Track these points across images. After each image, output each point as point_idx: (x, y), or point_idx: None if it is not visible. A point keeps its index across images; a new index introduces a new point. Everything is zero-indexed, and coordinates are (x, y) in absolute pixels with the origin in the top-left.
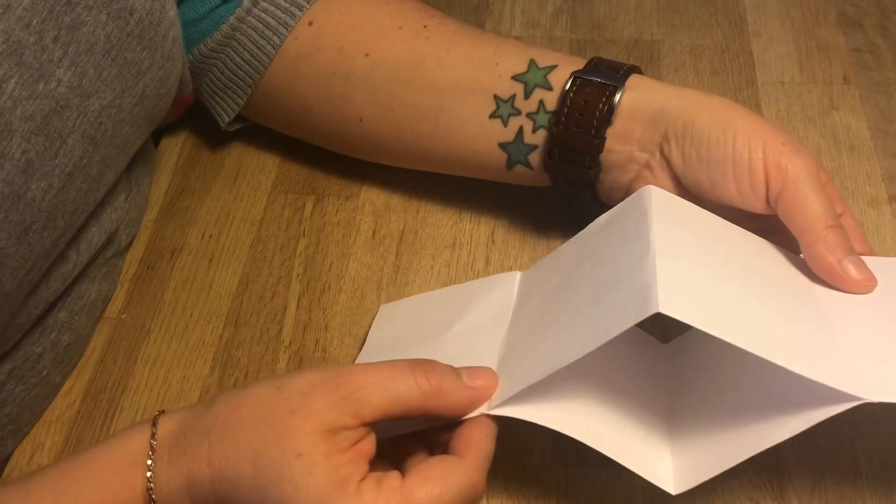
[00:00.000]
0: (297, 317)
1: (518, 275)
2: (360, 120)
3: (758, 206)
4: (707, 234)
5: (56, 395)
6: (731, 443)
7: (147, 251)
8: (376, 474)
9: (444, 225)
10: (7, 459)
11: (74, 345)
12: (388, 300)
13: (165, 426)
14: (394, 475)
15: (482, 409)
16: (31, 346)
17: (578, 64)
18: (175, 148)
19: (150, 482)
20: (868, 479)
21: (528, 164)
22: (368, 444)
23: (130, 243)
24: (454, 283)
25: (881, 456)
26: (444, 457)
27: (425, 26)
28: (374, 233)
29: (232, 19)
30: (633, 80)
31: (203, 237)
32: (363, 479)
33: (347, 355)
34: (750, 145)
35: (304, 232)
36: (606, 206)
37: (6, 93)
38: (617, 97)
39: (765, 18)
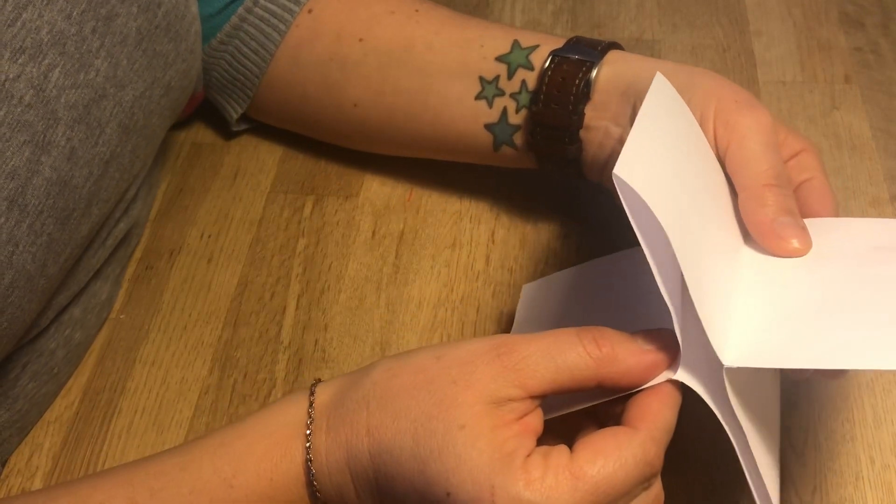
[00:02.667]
0: (297, 317)
1: None
2: (355, 105)
3: None
4: (687, 137)
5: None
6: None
7: (146, 251)
8: (542, 449)
9: (444, 225)
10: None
11: (83, 344)
12: (388, 300)
13: (323, 395)
14: (561, 449)
15: (665, 376)
16: (47, 341)
17: (560, 43)
18: (174, 148)
19: (308, 453)
20: (869, 479)
21: (513, 145)
22: (535, 420)
23: (138, 244)
24: (454, 284)
25: (882, 456)
26: (615, 428)
27: (416, 10)
28: (373, 233)
29: (241, 10)
30: (612, 55)
31: (202, 237)
32: (529, 454)
33: (347, 356)
34: (703, 105)
35: (303, 232)
36: (596, 186)
37: (52, 81)
38: (593, 73)
39: (766, 18)
